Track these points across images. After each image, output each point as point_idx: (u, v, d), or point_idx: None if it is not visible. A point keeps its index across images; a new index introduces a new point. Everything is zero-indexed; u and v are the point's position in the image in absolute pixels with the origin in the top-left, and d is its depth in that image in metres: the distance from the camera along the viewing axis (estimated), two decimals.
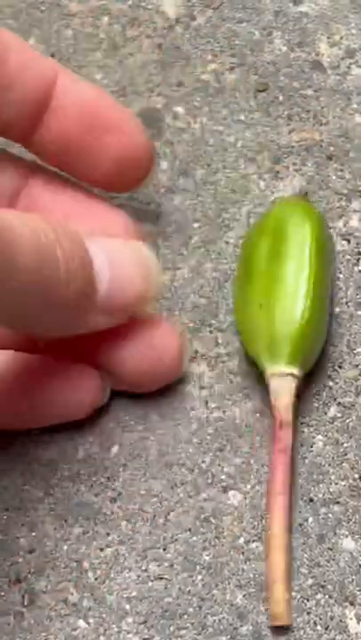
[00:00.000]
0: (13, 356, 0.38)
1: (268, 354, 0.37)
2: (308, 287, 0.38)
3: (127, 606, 0.36)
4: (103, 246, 0.35)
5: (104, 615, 0.36)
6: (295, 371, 0.37)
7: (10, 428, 0.38)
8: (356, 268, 0.41)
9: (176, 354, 0.38)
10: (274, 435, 0.37)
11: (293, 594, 0.36)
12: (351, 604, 0.36)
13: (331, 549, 0.37)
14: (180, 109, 0.44)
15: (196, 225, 0.42)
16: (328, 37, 0.46)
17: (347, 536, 0.37)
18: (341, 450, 0.38)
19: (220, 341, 0.40)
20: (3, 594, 0.36)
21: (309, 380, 0.39)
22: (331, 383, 0.39)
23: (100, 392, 0.38)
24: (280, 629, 0.36)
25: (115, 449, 0.38)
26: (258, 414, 0.39)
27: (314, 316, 0.38)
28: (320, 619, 0.36)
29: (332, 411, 0.39)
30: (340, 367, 0.40)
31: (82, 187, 0.39)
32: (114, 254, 0.36)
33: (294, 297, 0.38)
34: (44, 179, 0.39)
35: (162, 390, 0.39)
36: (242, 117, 0.44)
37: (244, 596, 0.36)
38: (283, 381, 0.37)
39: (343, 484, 0.38)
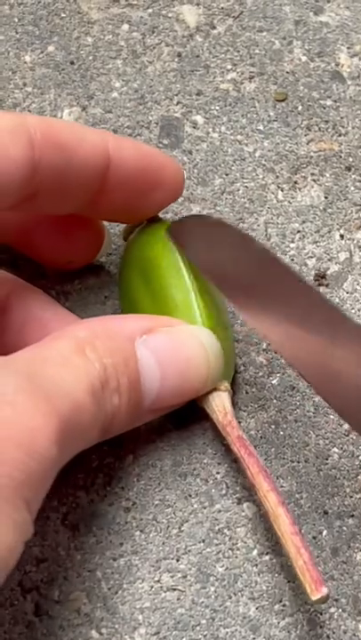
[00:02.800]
0: None
1: None
2: (199, 303, 0.38)
3: (140, 617, 0.36)
4: (155, 347, 0.35)
5: (116, 626, 0.36)
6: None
7: None
8: None
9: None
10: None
11: (307, 607, 0.36)
12: None
13: (345, 563, 0.37)
14: (198, 118, 0.44)
15: None
16: (348, 48, 0.46)
17: None
18: (357, 463, 0.38)
19: (236, 352, 0.40)
20: (15, 603, 0.36)
21: None
22: None
23: None
24: None
25: (129, 458, 0.38)
26: (273, 426, 0.39)
27: (216, 326, 0.38)
28: (333, 632, 0.36)
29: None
30: None
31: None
32: (168, 359, 0.35)
33: (191, 318, 0.37)
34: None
35: None
36: (261, 127, 0.44)
37: (257, 608, 0.36)
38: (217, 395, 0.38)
39: (358, 496, 0.38)
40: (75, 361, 0.33)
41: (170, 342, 0.36)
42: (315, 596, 0.33)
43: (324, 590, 0.33)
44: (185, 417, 0.39)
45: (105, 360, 0.34)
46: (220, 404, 0.37)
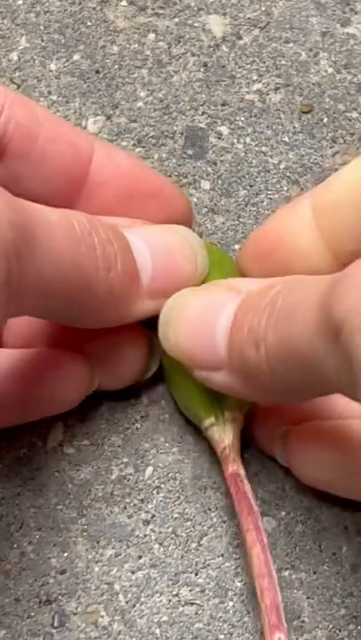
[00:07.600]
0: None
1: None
2: None
3: (157, 631, 0.36)
4: (142, 235, 0.35)
5: (134, 639, 0.36)
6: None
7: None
8: None
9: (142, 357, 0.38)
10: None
11: (326, 623, 0.36)
12: None
13: None
14: (223, 129, 0.44)
15: (237, 247, 0.42)
16: None
17: None
18: None
19: None
20: (33, 614, 0.36)
21: None
22: None
23: (89, 379, 0.37)
24: None
25: (149, 471, 0.38)
26: None
27: None
28: None
29: None
30: None
31: None
32: (154, 241, 0.36)
33: None
34: None
35: None
36: (286, 139, 0.44)
37: None
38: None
39: None
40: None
41: (152, 229, 0.36)
42: None
43: (276, 636, 0.32)
44: None
45: (92, 219, 0.33)
46: (219, 437, 0.36)
